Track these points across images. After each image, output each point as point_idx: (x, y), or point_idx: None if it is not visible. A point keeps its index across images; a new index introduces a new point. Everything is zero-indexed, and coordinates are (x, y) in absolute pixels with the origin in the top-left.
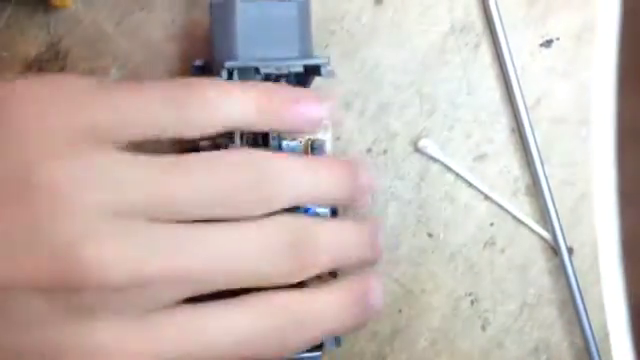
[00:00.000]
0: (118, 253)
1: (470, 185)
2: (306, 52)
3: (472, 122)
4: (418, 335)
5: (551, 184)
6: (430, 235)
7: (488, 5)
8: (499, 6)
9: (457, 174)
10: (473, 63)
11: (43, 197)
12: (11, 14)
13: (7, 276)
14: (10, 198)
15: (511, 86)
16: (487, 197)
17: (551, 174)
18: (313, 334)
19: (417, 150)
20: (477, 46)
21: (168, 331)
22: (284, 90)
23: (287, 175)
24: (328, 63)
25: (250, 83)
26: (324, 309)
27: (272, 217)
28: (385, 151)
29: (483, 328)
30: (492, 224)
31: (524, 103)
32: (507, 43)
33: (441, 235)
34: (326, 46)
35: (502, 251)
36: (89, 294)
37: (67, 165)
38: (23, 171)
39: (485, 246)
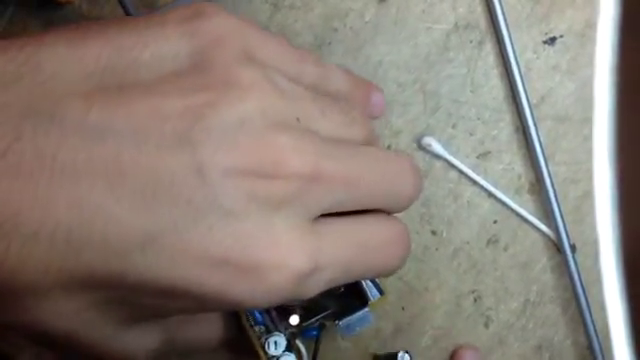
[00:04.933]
0: (303, 146)
1: (474, 183)
2: None
3: (476, 120)
4: (421, 333)
5: (555, 182)
6: (433, 232)
7: (492, 2)
8: (503, 3)
9: (461, 172)
10: (477, 61)
11: (251, 93)
12: (14, 11)
13: (209, 161)
14: (219, 98)
15: (515, 84)
16: (491, 195)
17: (555, 172)
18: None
19: (420, 147)
20: (481, 43)
21: (329, 236)
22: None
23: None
24: None
25: (343, 69)
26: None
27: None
28: (389, 148)
29: (486, 326)
30: (495, 222)
31: (528, 101)
32: (511, 40)
33: (444, 232)
34: (329, 43)
35: (505, 249)
36: (276, 182)
37: (255, 72)
38: (226, 75)
39: (488, 244)
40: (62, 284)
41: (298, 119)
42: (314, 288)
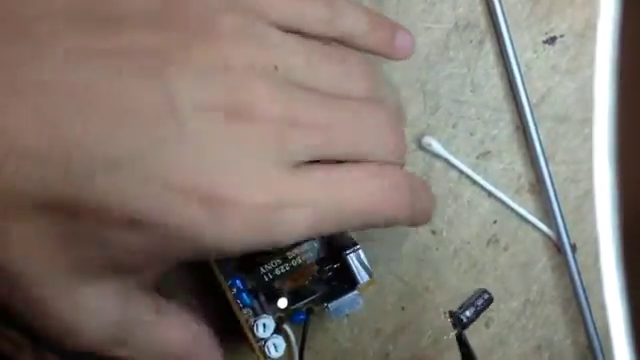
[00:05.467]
0: (276, 93)
1: (474, 182)
2: None
3: (476, 119)
4: (421, 333)
5: (555, 181)
6: (433, 232)
7: (492, 2)
8: (503, 3)
9: (461, 171)
10: (477, 60)
11: (226, 39)
12: None
13: (182, 94)
14: (195, 40)
15: (515, 83)
16: (491, 194)
17: (555, 172)
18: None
19: (421, 147)
20: (481, 43)
21: (311, 183)
22: (386, 19)
23: None
24: None
25: (363, 7)
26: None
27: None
28: None
29: (486, 325)
30: (495, 221)
31: (528, 100)
32: (511, 40)
33: (444, 232)
34: None
35: (505, 248)
36: (248, 122)
37: (235, 17)
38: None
39: (488, 243)
40: (17, 203)
41: (276, 67)
42: (287, 228)
